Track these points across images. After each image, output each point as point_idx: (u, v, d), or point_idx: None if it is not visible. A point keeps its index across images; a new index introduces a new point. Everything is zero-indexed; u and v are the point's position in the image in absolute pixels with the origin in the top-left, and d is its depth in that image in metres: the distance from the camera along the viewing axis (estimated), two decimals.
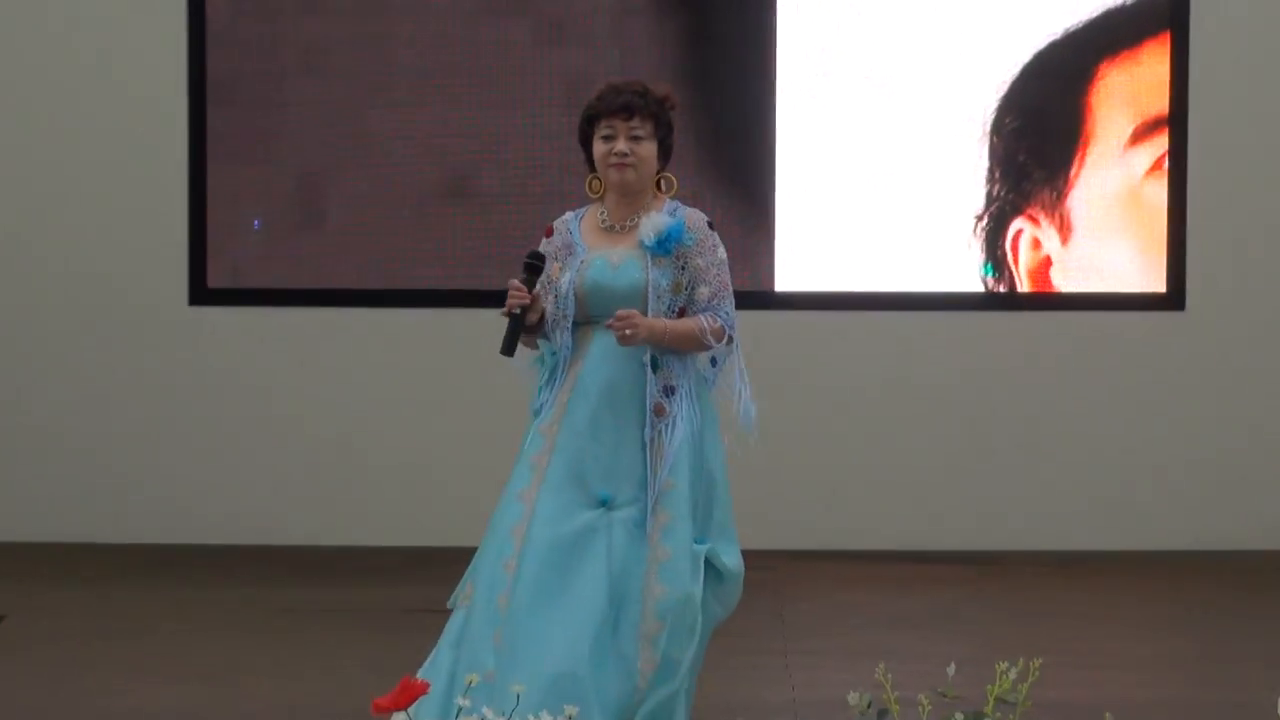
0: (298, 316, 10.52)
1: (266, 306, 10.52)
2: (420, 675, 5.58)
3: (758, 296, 10.17)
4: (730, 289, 5.83)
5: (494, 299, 5.96)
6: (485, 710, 4.03)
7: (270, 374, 10.53)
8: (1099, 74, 10.44)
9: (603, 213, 5.88)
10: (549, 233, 5.93)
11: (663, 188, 5.86)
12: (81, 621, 8.57)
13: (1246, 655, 7.78)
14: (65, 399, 10.52)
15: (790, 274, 10.42)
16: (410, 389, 10.43)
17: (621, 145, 5.77)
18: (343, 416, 10.50)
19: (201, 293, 10.50)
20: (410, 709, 4.01)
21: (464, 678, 5.22)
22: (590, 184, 5.89)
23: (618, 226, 5.84)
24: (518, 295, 5.73)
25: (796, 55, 10.41)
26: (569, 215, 5.96)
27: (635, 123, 5.78)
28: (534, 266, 5.78)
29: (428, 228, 10.46)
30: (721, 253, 5.85)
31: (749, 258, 10.23)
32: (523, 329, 5.77)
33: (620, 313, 5.67)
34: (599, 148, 5.81)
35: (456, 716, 3.95)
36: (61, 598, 9.07)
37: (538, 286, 5.79)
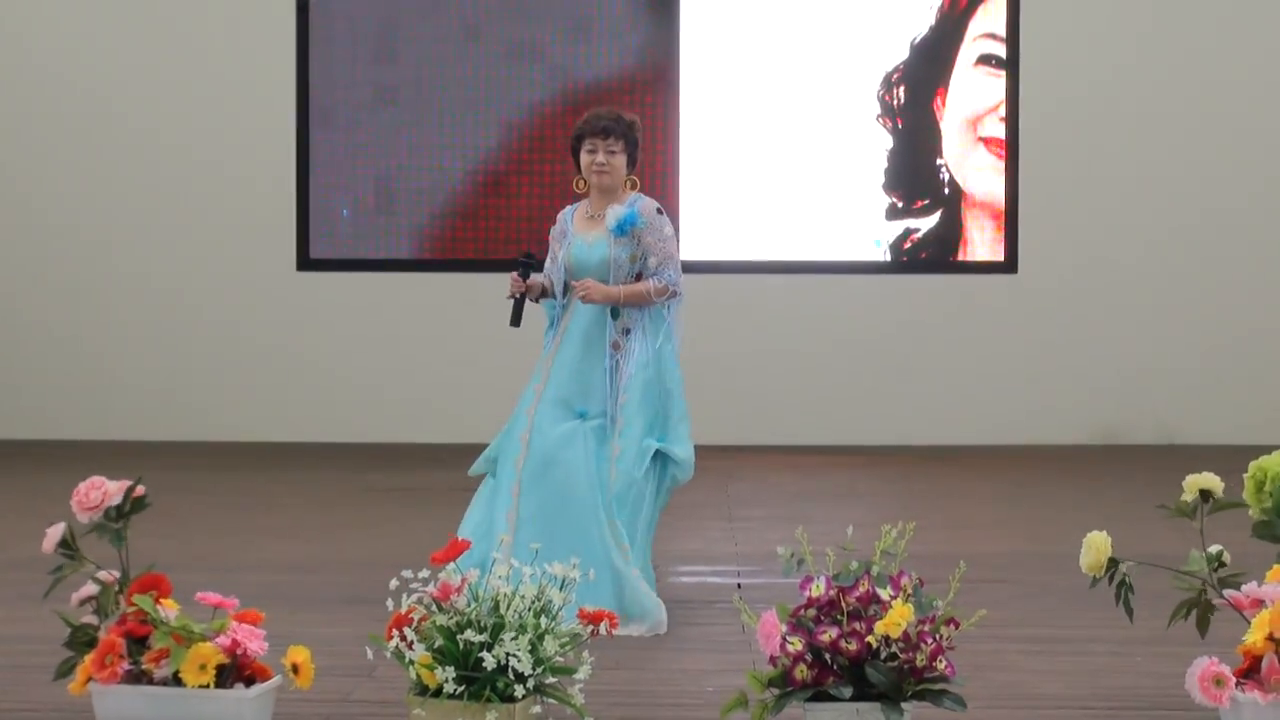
0: (374, 279, 10.60)
1: (352, 272, 10.61)
2: (460, 533, 5.60)
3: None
4: (675, 257, 5.82)
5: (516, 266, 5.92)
6: (512, 560, 3.98)
7: (355, 319, 10.60)
8: (955, 103, 10.44)
9: (587, 205, 5.88)
10: (556, 222, 5.93)
11: (628, 186, 5.85)
12: (223, 498, 8.52)
13: (1061, 519, 7.75)
14: (209, 337, 10.59)
15: (752, 247, 10.45)
16: (455, 329, 10.45)
17: (601, 158, 5.77)
18: (408, 349, 10.55)
19: (306, 262, 10.62)
20: (456, 560, 3.96)
21: (496, 536, 5.28)
22: (576, 183, 5.90)
23: (596, 216, 5.84)
24: (516, 285, 5.74)
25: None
26: (568, 209, 5.98)
27: (610, 141, 5.78)
28: (523, 264, 5.77)
29: (468, 215, 10.51)
30: (668, 230, 5.85)
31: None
32: (523, 305, 5.76)
33: (575, 282, 5.68)
34: (585, 159, 5.81)
35: (490, 567, 3.90)
36: (210, 479, 9.03)
37: (530, 275, 5.77)
